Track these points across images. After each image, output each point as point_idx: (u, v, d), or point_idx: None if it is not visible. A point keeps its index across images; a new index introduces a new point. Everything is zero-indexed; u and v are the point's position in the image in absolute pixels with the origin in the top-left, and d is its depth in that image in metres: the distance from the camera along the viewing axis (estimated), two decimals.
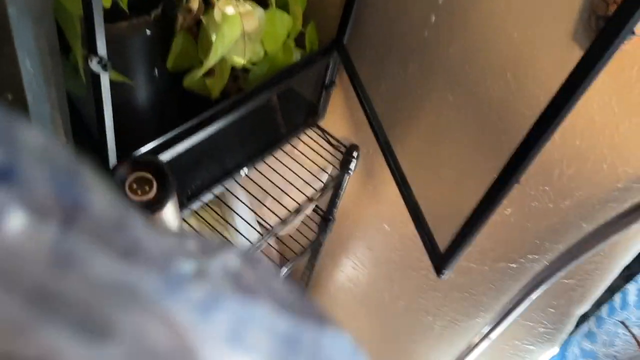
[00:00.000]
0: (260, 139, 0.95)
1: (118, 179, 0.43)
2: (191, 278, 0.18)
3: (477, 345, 1.06)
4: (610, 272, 0.87)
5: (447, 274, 0.68)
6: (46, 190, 0.16)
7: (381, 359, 1.39)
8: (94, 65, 0.51)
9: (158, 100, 0.83)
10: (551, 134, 0.51)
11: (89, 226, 0.16)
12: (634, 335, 0.82)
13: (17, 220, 0.15)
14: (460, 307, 1.13)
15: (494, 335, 1.02)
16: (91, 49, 0.51)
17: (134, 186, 0.43)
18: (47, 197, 0.16)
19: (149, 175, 0.43)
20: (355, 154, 0.99)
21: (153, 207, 0.42)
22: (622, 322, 0.83)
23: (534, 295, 0.92)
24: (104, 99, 0.56)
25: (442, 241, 0.69)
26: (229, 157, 0.91)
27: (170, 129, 0.72)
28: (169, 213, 0.44)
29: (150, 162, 0.44)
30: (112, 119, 0.59)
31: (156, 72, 0.80)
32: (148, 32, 0.74)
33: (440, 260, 0.67)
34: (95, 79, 0.55)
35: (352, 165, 1.00)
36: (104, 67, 0.52)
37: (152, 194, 0.43)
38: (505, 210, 0.92)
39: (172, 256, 0.18)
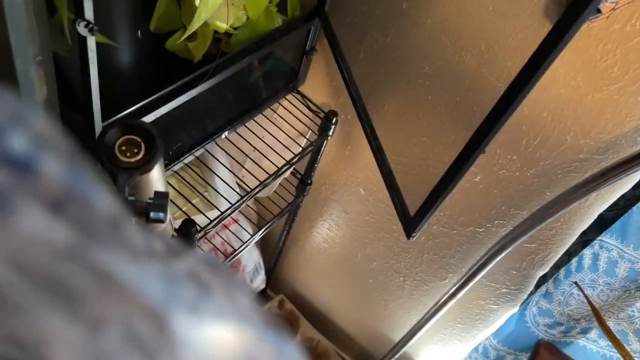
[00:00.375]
0: (241, 103, 0.97)
1: (108, 141, 0.45)
2: (168, 276, 0.19)
3: (444, 304, 1.12)
4: (569, 237, 0.93)
5: (416, 236, 0.73)
6: (61, 184, 0.16)
7: (353, 316, 1.46)
8: (81, 28, 0.53)
9: (140, 62, 0.84)
10: (517, 106, 0.54)
11: (95, 221, 0.17)
12: (586, 296, 0.89)
13: (35, 212, 0.16)
14: (429, 269, 1.18)
15: (460, 294, 1.08)
16: (78, 12, 0.53)
17: (123, 148, 0.46)
18: (61, 190, 0.16)
19: (138, 139, 0.46)
20: (334, 120, 1.02)
21: (141, 168, 0.44)
22: (576, 283, 0.89)
23: (498, 258, 0.97)
24: (90, 62, 0.58)
25: (413, 205, 0.73)
26: (210, 120, 0.93)
27: (153, 91, 0.74)
28: (156, 175, 0.47)
29: (139, 126, 0.46)
30: (97, 81, 0.61)
31: (139, 34, 0.81)
32: None
33: (410, 223, 0.71)
34: (81, 42, 0.56)
35: (331, 132, 1.03)
36: (91, 31, 0.54)
37: (140, 156, 0.45)
38: (474, 177, 0.97)
39: (151, 254, 0.19)
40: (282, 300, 1.54)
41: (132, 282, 0.18)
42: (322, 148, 1.09)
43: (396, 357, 1.32)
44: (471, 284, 1.06)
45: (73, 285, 0.17)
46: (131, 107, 0.71)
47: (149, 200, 0.44)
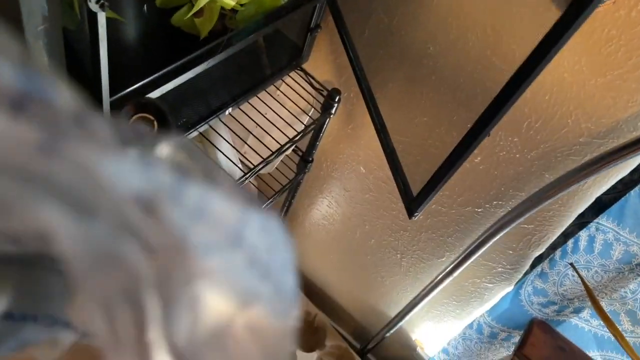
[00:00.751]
0: (245, 79, 0.98)
1: (127, 115, 0.46)
2: (145, 161, 0.19)
3: (440, 281, 1.15)
4: (566, 219, 0.95)
5: (418, 215, 0.74)
6: (17, 86, 0.16)
7: (350, 291, 1.48)
8: (93, 4, 0.53)
9: (146, 37, 0.84)
10: (524, 90, 0.55)
11: (59, 117, 0.17)
12: (580, 276, 0.91)
13: None
14: (427, 247, 1.20)
15: (456, 273, 1.11)
16: None
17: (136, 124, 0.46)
18: (19, 91, 0.16)
19: (150, 117, 0.46)
20: (337, 98, 1.02)
21: None
22: (571, 264, 0.91)
23: (495, 238, 0.99)
24: (100, 38, 0.58)
25: (415, 185, 0.75)
26: (215, 96, 0.93)
27: (159, 67, 0.74)
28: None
29: (151, 104, 0.47)
30: (107, 57, 0.61)
31: (145, 9, 0.81)
32: None
33: (412, 202, 0.72)
34: (91, 17, 0.56)
35: (333, 110, 1.04)
36: (102, 7, 0.54)
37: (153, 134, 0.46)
38: (475, 158, 0.98)
39: (125, 143, 0.19)
40: None
41: (110, 171, 0.18)
42: (325, 126, 1.10)
43: (392, 332, 1.35)
44: (468, 263, 1.08)
45: (54, 178, 0.17)
46: (138, 82, 0.72)
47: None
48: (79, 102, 0.18)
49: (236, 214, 0.23)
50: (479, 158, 0.98)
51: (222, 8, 0.83)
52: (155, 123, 0.46)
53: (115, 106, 0.68)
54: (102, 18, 0.56)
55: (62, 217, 0.18)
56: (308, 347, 1.46)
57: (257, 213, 0.24)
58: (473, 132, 0.62)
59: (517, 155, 0.93)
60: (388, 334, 1.35)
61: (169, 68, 0.75)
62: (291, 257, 0.28)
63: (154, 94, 0.74)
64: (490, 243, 1.01)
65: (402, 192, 0.75)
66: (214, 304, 0.22)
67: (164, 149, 0.21)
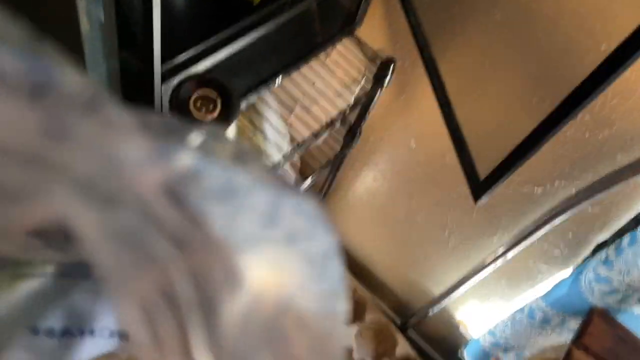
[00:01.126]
0: (296, 47, 0.92)
1: (183, 95, 0.42)
2: (171, 149, 0.18)
3: (491, 262, 1.10)
4: (638, 204, 0.88)
5: (485, 200, 0.69)
6: (17, 69, 0.16)
7: (393, 267, 1.45)
8: None
9: (193, 1, 0.79)
10: (624, 70, 0.49)
11: (65, 103, 0.16)
12: None
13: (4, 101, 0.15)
14: (477, 225, 1.15)
15: (510, 254, 1.06)
16: None
17: (198, 104, 0.42)
18: (19, 75, 0.16)
19: (213, 94, 0.42)
20: (391, 67, 0.96)
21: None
22: None
23: (557, 221, 0.93)
24: (154, 4, 0.53)
25: (483, 167, 0.69)
26: (265, 65, 0.88)
27: (208, 34, 0.70)
28: (229, 134, 0.43)
29: (215, 81, 0.42)
30: (160, 23, 0.56)
31: None
32: None
33: (480, 186, 0.67)
34: None
35: (387, 80, 0.98)
36: None
37: (216, 113, 0.42)
38: (523, 134, 0.91)
39: (145, 129, 0.18)
40: None
41: (128, 158, 0.17)
42: (376, 97, 1.04)
43: (435, 310, 1.31)
44: (523, 245, 1.03)
45: (68, 164, 0.16)
46: (187, 51, 0.67)
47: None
48: (92, 89, 0.18)
49: (269, 197, 0.21)
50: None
51: None
52: (219, 102, 0.42)
53: (167, 76, 0.64)
54: None
55: (81, 205, 0.17)
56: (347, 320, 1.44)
57: (292, 196, 0.22)
58: (556, 115, 0.56)
59: (587, 135, 0.86)
60: (431, 312, 1.32)
61: (220, 36, 0.70)
62: (332, 242, 0.26)
63: (205, 64, 0.70)
64: (550, 226, 0.96)
65: (468, 174, 0.70)
66: (257, 298, 0.21)
67: (191, 136, 0.19)
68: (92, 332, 0.27)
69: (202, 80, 0.42)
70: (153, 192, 0.18)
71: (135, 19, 0.61)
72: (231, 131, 0.97)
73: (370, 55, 1.03)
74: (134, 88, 0.63)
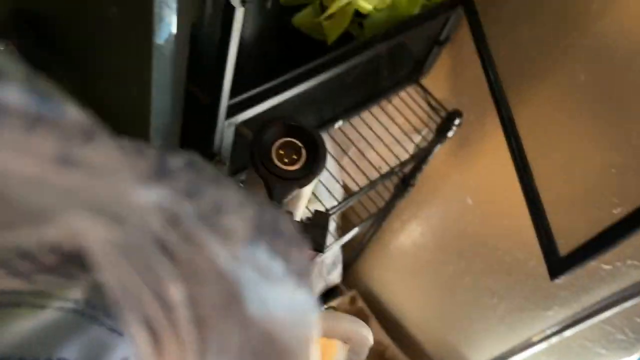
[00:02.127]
0: (360, 90, 0.88)
1: (267, 140, 0.37)
2: (156, 176, 0.19)
3: (543, 339, 1.01)
4: None
5: (563, 279, 0.62)
6: (22, 103, 0.17)
7: (430, 326, 1.37)
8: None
9: (262, 37, 0.76)
10: None
11: (65, 131, 0.18)
12: None
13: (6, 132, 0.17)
14: (531, 296, 1.07)
15: (566, 333, 0.97)
16: None
17: (281, 151, 0.38)
18: (23, 107, 0.17)
19: (298, 143, 0.38)
20: (457, 120, 0.91)
21: (300, 181, 0.36)
22: None
23: (627, 304, 0.85)
24: (232, 37, 0.50)
25: (563, 241, 0.63)
26: (327, 106, 0.84)
27: (274, 71, 0.66)
28: (310, 188, 0.38)
29: (302, 129, 0.38)
30: (235, 56, 0.53)
31: (269, 4, 0.73)
32: None
33: (560, 263, 0.60)
34: (228, 13, 0.48)
35: (451, 133, 0.92)
36: (243, 2, 0.46)
37: (300, 164, 0.37)
38: (614, 208, 0.84)
39: (136, 156, 0.19)
40: (354, 296, 1.46)
41: (126, 180, 0.18)
42: (435, 149, 0.99)
43: None
44: (582, 325, 0.95)
45: (74, 188, 0.17)
46: (254, 87, 0.64)
47: (305, 221, 0.36)
48: (90, 120, 0.19)
49: (249, 223, 0.22)
50: (618, 209, 0.84)
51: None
52: (304, 152, 0.37)
53: (232, 113, 0.60)
54: (239, 14, 0.47)
55: (91, 224, 0.18)
56: None
57: (271, 217, 0.23)
58: None
59: None
60: None
61: (292, 74, 0.66)
62: (306, 263, 0.24)
63: (272, 102, 0.66)
64: (619, 308, 0.87)
65: (545, 248, 0.63)
66: (248, 324, 0.21)
67: (175, 163, 0.20)
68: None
69: (289, 126, 0.38)
70: (153, 213, 0.19)
71: (208, 52, 0.57)
72: None
73: (434, 105, 0.98)
74: (194, 121, 0.60)
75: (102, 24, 0.55)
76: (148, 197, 0.19)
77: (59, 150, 0.17)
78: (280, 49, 0.80)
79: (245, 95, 0.60)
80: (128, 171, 0.19)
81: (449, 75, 0.98)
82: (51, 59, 0.66)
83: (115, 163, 0.19)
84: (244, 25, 0.71)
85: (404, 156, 0.96)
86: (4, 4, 0.68)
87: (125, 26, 0.52)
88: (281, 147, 0.38)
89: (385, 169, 0.95)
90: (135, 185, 0.19)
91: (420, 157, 1.03)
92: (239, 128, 0.50)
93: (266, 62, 0.76)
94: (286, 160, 0.37)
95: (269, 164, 0.37)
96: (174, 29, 0.47)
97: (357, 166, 0.97)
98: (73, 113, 0.18)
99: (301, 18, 0.74)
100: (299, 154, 0.38)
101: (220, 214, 0.20)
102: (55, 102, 0.18)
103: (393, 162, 0.95)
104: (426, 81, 0.98)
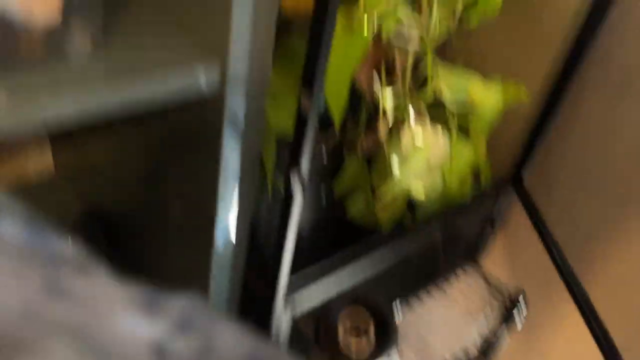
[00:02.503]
0: (416, 273, 0.86)
1: (332, 320, 0.35)
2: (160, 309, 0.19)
3: None
4: None
5: None
6: (22, 242, 0.18)
7: None
8: (296, 184, 0.46)
9: (317, 223, 0.78)
10: None
11: (58, 264, 0.19)
12: None
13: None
14: None
15: None
16: (294, 164, 0.47)
17: (348, 324, 0.35)
18: (20, 241, 0.18)
19: (365, 320, 0.35)
20: (521, 300, 0.86)
21: (368, 358, 0.33)
22: None
23: None
24: (291, 221, 0.51)
25: None
26: (384, 292, 0.82)
27: (325, 254, 0.65)
28: None
29: (369, 301, 0.36)
30: (293, 242, 0.53)
31: (323, 195, 0.76)
32: (324, 149, 0.71)
33: None
34: (288, 198, 0.50)
35: (520, 317, 0.87)
36: (303, 187, 0.48)
37: (368, 342, 0.34)
38: None
39: (136, 293, 0.20)
40: None
41: (117, 316, 0.19)
42: (504, 334, 0.92)
43: None
44: None
45: (62, 319, 0.18)
46: (308, 267, 0.62)
47: None
48: (84, 255, 0.20)
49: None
50: None
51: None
52: (372, 330, 0.35)
53: (291, 290, 0.58)
54: (298, 199, 0.49)
55: (75, 357, 0.17)
56: None
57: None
58: None
59: None
60: None
61: (346, 264, 0.65)
62: None
63: (328, 282, 0.64)
64: None
65: None
66: None
67: (170, 303, 0.20)
68: None
69: (356, 298, 0.36)
70: (143, 351, 0.18)
71: (266, 243, 0.58)
72: None
73: (495, 285, 0.93)
74: (251, 303, 0.58)
75: (166, 225, 0.57)
76: (136, 328, 0.19)
77: (52, 281, 0.18)
78: (333, 233, 0.81)
79: (301, 287, 0.59)
80: (119, 302, 0.19)
81: (505, 254, 0.96)
82: (115, 257, 0.68)
83: (107, 294, 0.19)
84: (302, 216, 0.74)
85: (469, 342, 0.90)
86: (75, 205, 0.74)
87: (187, 228, 0.54)
88: (348, 325, 0.35)
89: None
90: (124, 315, 0.19)
91: (488, 345, 0.96)
92: (297, 321, 0.48)
93: (321, 252, 0.76)
94: (353, 338, 0.34)
95: (335, 345, 0.34)
96: (232, 234, 0.49)
97: (418, 354, 0.90)
98: (68, 247, 0.20)
99: (356, 209, 0.75)
100: (367, 332, 0.35)
101: (210, 352, 0.20)
102: (49, 237, 0.19)
103: (458, 349, 0.88)
104: (484, 262, 0.96)
